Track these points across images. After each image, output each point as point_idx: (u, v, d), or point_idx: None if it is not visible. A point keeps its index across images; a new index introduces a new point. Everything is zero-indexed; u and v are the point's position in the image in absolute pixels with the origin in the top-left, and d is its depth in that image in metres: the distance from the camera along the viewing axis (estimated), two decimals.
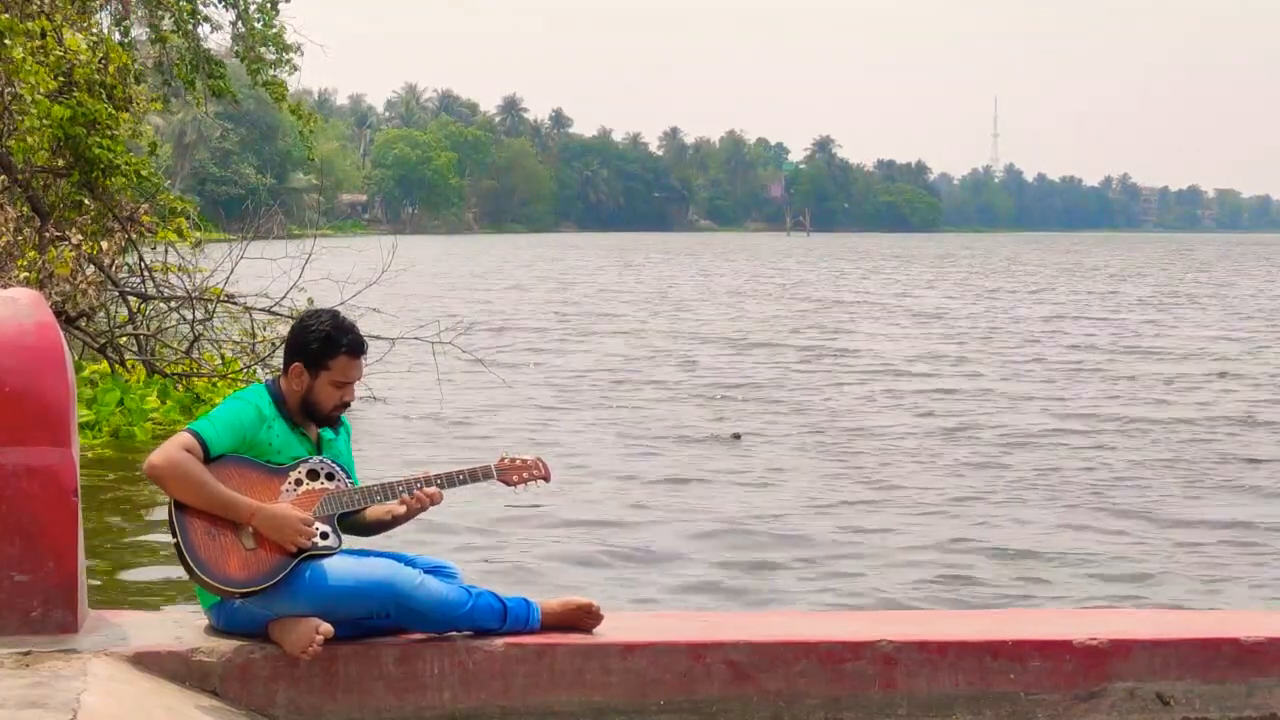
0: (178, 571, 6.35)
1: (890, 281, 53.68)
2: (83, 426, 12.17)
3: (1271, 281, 55.79)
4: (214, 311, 15.57)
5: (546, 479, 5.00)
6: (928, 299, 41.72)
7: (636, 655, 4.75)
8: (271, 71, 17.40)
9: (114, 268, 15.24)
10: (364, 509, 4.82)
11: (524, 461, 4.98)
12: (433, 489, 4.82)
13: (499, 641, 4.72)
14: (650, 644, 4.77)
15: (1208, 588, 8.95)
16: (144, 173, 15.42)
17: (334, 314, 4.90)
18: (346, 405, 4.82)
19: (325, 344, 4.75)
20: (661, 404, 17.53)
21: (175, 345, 15.66)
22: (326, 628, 4.53)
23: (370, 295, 14.62)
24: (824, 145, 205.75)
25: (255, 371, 14.78)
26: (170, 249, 16.37)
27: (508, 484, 4.96)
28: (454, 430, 15.12)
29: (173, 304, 16.02)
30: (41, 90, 13.35)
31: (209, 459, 4.56)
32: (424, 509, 4.84)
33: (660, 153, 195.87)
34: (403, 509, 4.83)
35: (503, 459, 4.98)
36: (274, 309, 15.44)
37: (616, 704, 4.72)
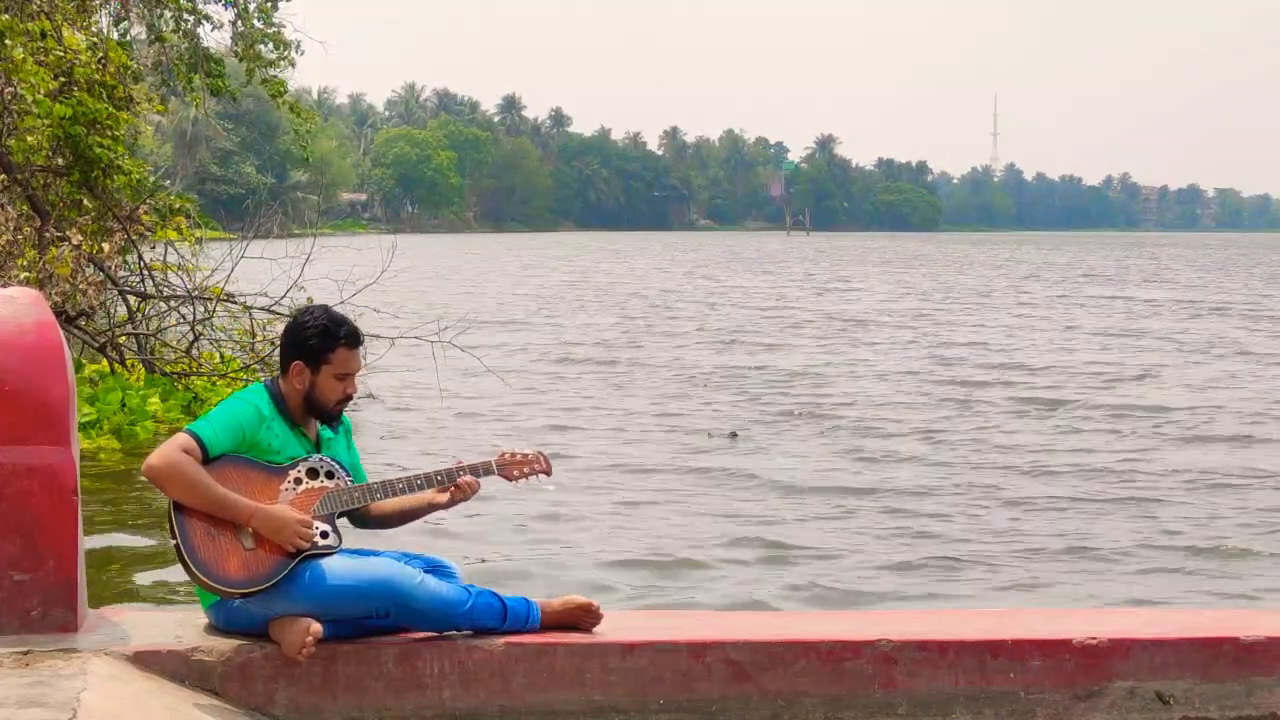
0: (177, 571, 6.35)
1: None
2: (84, 425, 12.17)
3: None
4: (214, 310, 15.55)
5: (548, 473, 5.01)
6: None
7: (636, 654, 4.74)
8: (270, 70, 17.39)
9: (113, 267, 15.22)
10: (366, 506, 4.83)
11: (524, 456, 4.99)
12: (470, 479, 4.85)
13: (499, 641, 4.72)
14: (650, 643, 4.77)
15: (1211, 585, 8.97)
16: (137, 175, 15.41)
17: (326, 308, 4.93)
18: (349, 398, 4.83)
19: (323, 338, 4.76)
20: (654, 401, 17.55)
21: (175, 344, 15.64)
22: (317, 627, 4.52)
23: (370, 294, 14.63)
24: (824, 144, 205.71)
25: (255, 371, 14.77)
26: (170, 248, 16.36)
27: (509, 479, 4.98)
28: (453, 429, 15.13)
29: (172, 303, 16.01)
30: (42, 91, 13.35)
31: (208, 459, 4.56)
32: (465, 499, 4.88)
33: (660, 152, 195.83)
34: (444, 498, 4.86)
35: (503, 454, 4.99)
36: (274, 308, 15.43)
37: (616, 703, 4.72)
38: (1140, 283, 53.49)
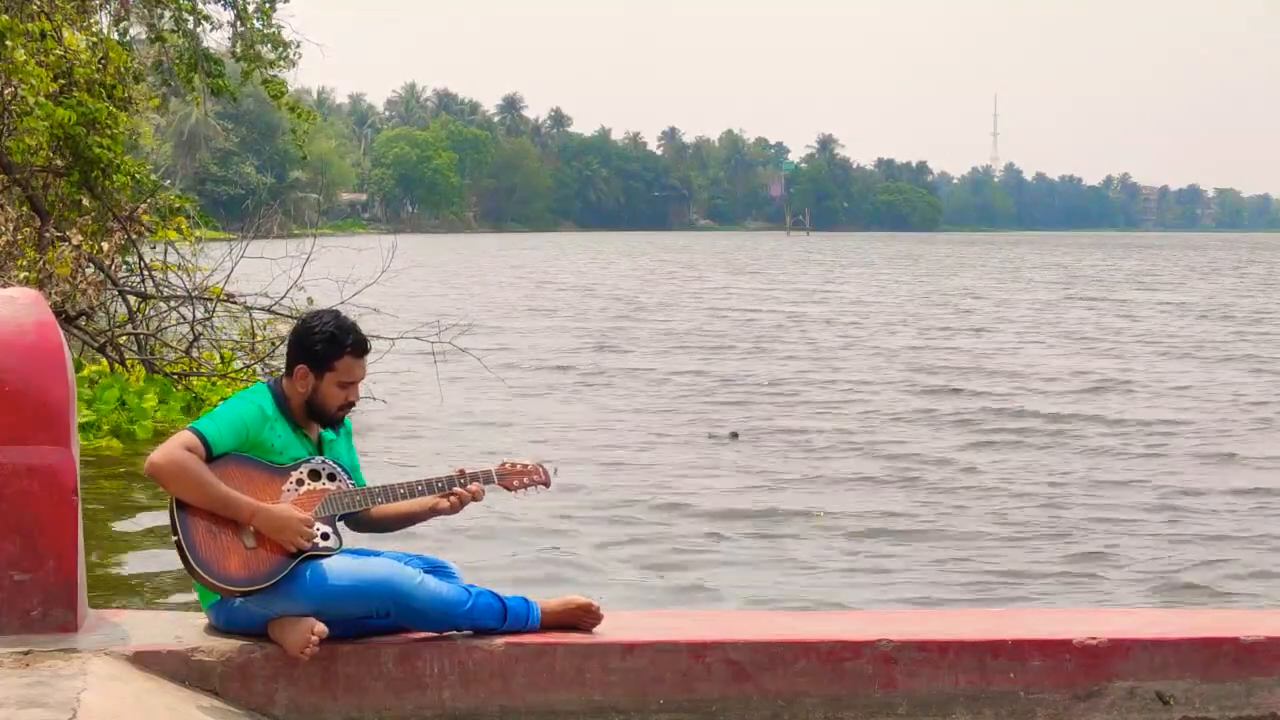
0: (178, 570, 6.36)
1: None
2: (82, 426, 12.16)
3: None
4: (214, 311, 15.54)
5: (547, 484, 5.00)
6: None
7: (636, 654, 4.74)
8: (270, 71, 17.37)
9: (113, 267, 15.22)
10: (366, 509, 4.83)
11: (524, 466, 4.98)
12: (476, 486, 4.85)
13: (498, 641, 4.72)
14: (650, 643, 4.77)
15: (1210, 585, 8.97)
16: (139, 175, 15.40)
17: (336, 314, 4.90)
18: (351, 405, 4.83)
19: (329, 345, 4.75)
20: (646, 402, 17.57)
21: (175, 345, 15.64)
22: (321, 627, 4.53)
23: (370, 294, 14.62)
24: (825, 144, 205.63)
25: (255, 371, 14.76)
26: (170, 248, 16.36)
27: (508, 489, 4.96)
28: (452, 430, 15.12)
29: (172, 303, 16.01)
30: (42, 92, 13.34)
31: (211, 458, 4.56)
32: (464, 505, 4.86)
33: (660, 152, 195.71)
34: (448, 504, 4.84)
35: (504, 464, 4.98)
36: (274, 308, 15.42)
37: (616, 703, 4.72)
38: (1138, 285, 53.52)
